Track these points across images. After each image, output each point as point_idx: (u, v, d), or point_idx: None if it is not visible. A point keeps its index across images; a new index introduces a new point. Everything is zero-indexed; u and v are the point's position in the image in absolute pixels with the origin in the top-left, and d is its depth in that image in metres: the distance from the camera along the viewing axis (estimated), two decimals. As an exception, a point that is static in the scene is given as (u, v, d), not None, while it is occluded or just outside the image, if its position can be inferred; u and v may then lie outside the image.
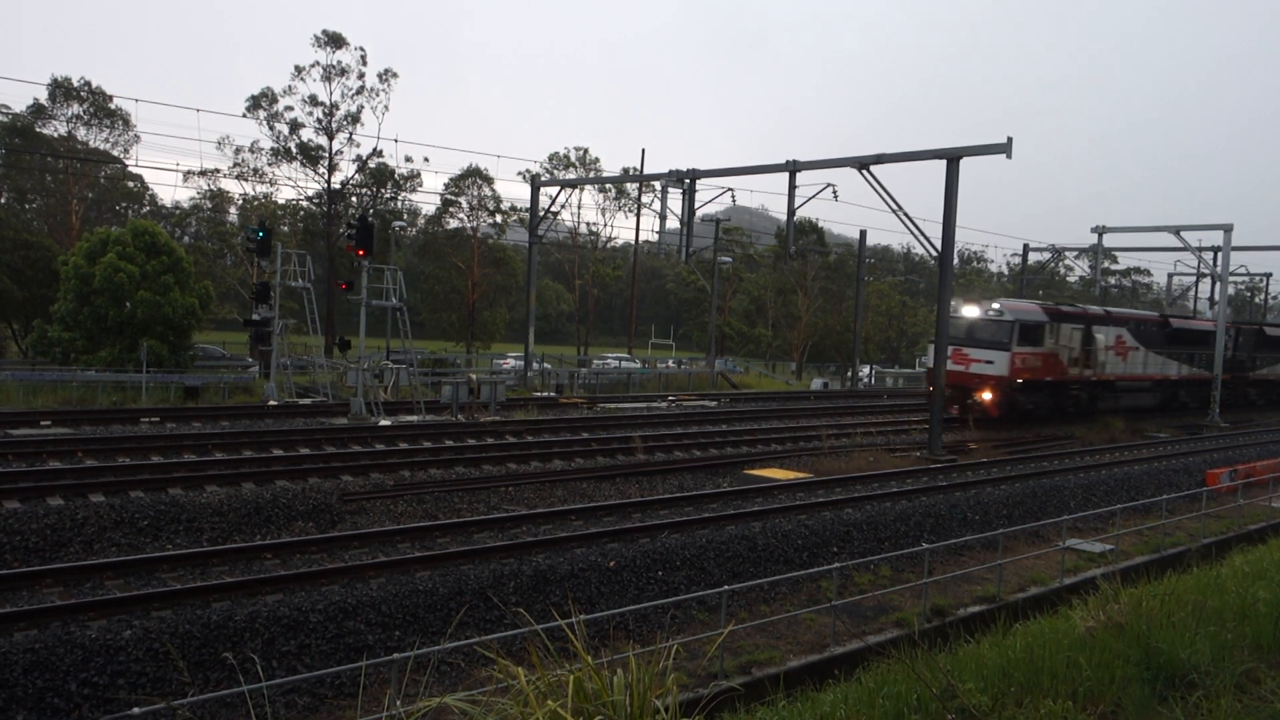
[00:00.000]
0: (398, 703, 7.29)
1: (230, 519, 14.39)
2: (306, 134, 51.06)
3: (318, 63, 49.81)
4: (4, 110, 49.02)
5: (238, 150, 51.59)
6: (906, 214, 25.39)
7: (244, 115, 50.63)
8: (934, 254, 24.80)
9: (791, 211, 29.15)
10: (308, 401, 28.83)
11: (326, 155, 51.19)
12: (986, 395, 29.93)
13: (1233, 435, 35.10)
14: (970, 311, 31.07)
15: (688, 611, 12.17)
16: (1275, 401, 47.84)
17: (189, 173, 51.57)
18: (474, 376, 31.71)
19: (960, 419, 31.07)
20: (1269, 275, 66.95)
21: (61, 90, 49.52)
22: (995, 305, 30.98)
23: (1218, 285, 42.44)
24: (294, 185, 53.45)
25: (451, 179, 58.62)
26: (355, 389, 26.47)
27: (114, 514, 13.86)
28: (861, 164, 25.64)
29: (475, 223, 59.67)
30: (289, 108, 50.53)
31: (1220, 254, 40.99)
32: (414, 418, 26.38)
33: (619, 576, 12.98)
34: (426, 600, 11.38)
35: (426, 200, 60.36)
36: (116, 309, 31.88)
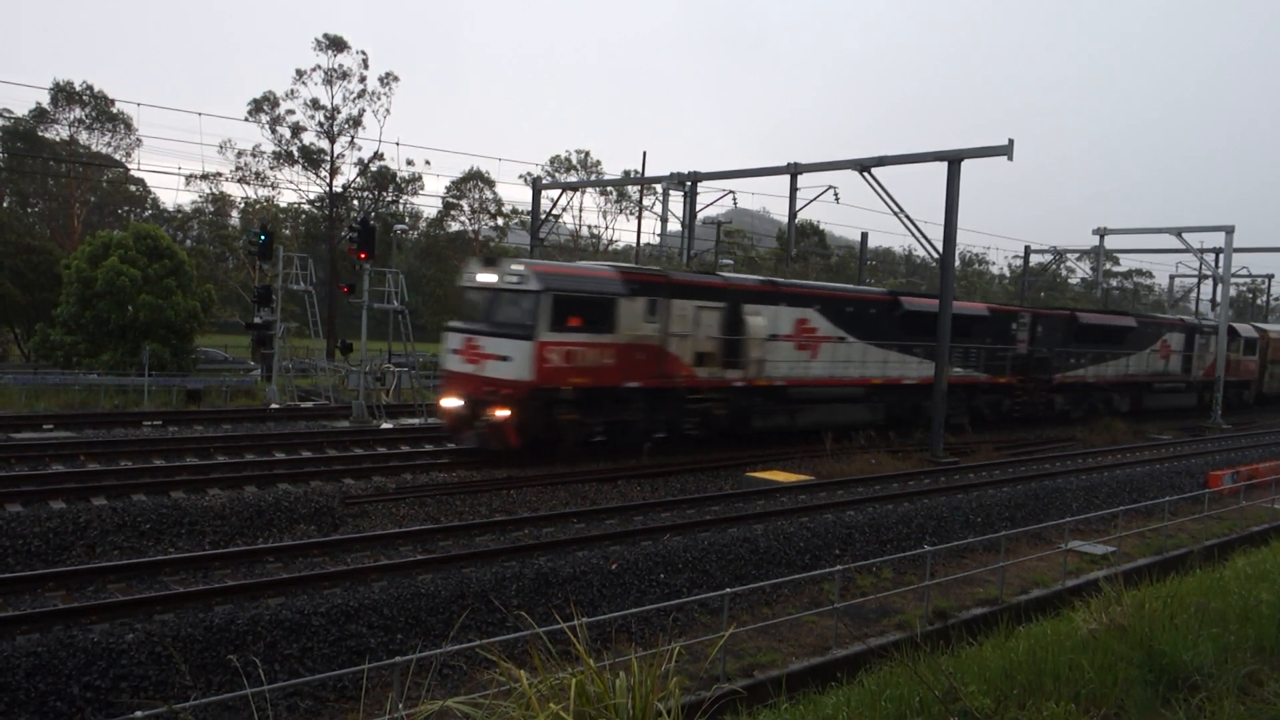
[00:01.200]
0: (400, 705, 7.30)
1: (232, 522, 14.39)
2: (308, 137, 51.22)
3: (319, 66, 49.97)
4: (6, 114, 49.16)
5: (239, 154, 51.77)
6: (908, 216, 25.39)
7: (246, 119, 50.81)
8: (935, 256, 24.80)
9: (793, 214, 29.17)
10: (309, 404, 28.85)
11: (328, 158, 51.28)
12: (500, 412, 18.63)
13: (1235, 437, 35.07)
14: (486, 276, 20.06)
15: (690, 614, 12.17)
16: (1096, 410, 35.62)
17: (191, 176, 51.80)
18: (475, 379, 31.65)
19: (481, 450, 19.74)
20: (1270, 277, 67.02)
21: (64, 94, 49.64)
22: (516, 266, 19.48)
23: (1219, 287, 42.46)
24: (296, 188, 53.59)
25: (453, 181, 58.82)
26: (357, 392, 26.48)
27: (116, 517, 13.87)
28: (862, 166, 25.65)
29: (477, 225, 59.77)
30: (290, 111, 50.69)
31: (1222, 255, 41.01)
32: (416, 420, 26.39)
33: (621, 579, 12.98)
34: (428, 603, 11.38)
35: (428, 203, 60.47)
36: (118, 312, 31.92)
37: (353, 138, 51.31)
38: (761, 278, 26.04)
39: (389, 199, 56.37)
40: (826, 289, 26.61)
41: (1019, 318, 31.47)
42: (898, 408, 27.30)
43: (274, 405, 27.96)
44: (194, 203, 60.99)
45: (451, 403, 19.97)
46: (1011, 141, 23.10)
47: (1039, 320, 32.20)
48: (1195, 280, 54.56)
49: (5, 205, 51.57)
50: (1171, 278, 60.65)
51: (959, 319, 28.02)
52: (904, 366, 27.14)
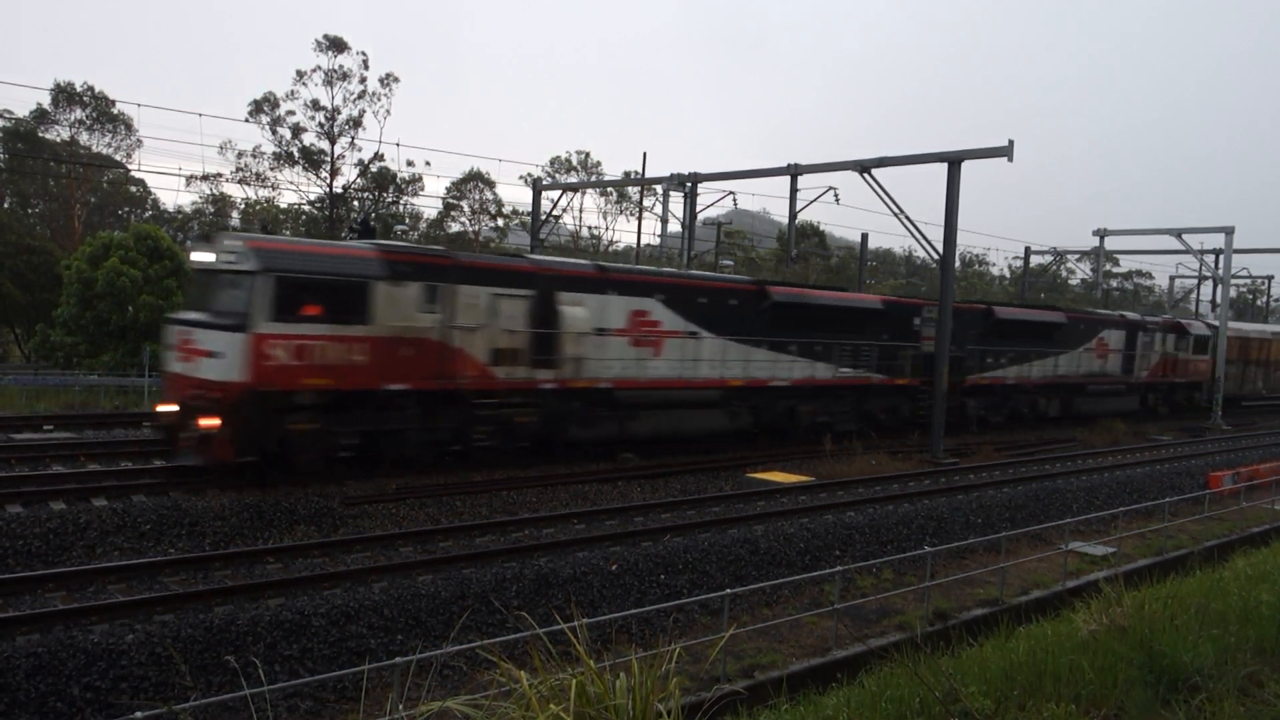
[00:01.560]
0: (400, 706, 7.30)
1: (232, 523, 14.39)
2: (308, 138, 51.16)
3: (319, 67, 49.88)
4: (7, 115, 49.20)
5: (240, 154, 51.76)
6: (908, 217, 25.39)
7: (246, 119, 50.73)
8: (936, 257, 24.80)
9: (793, 215, 29.16)
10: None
11: (328, 159, 51.25)
12: (209, 421, 15.46)
13: (1235, 438, 35.06)
14: (202, 256, 17.01)
15: (690, 615, 12.17)
16: (1019, 415, 32.49)
17: (191, 177, 51.75)
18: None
19: (197, 468, 16.08)
20: (1270, 278, 67.08)
21: (64, 95, 49.69)
22: (231, 241, 16.66)
23: (1219, 288, 42.45)
24: (296, 189, 53.59)
25: (453, 182, 58.85)
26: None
27: (116, 518, 13.86)
28: (863, 167, 25.66)
29: (477, 226, 59.81)
30: (291, 112, 50.60)
31: (1222, 257, 41.02)
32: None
33: (621, 580, 12.98)
34: (429, 604, 11.39)
35: (428, 204, 60.48)
36: (119, 313, 31.94)
37: (353, 138, 51.28)
38: (586, 261, 22.92)
39: (389, 200, 56.38)
40: (673, 276, 22.96)
41: (922, 312, 28.27)
42: (767, 413, 24.17)
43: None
44: (194, 203, 61.03)
45: (167, 409, 16.51)
46: (1011, 143, 23.12)
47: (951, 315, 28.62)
48: (1195, 282, 54.65)
49: (6, 206, 51.61)
50: (1172, 279, 60.79)
51: (847, 312, 26.01)
52: (774, 366, 23.78)
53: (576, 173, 63.35)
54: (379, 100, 51.11)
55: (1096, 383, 35.57)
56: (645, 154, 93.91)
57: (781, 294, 24.30)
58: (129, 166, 54.27)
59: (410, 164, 60.09)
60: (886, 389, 26.97)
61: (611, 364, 20.41)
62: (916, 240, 25.41)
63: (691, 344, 21.96)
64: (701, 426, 22.70)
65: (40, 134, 49.80)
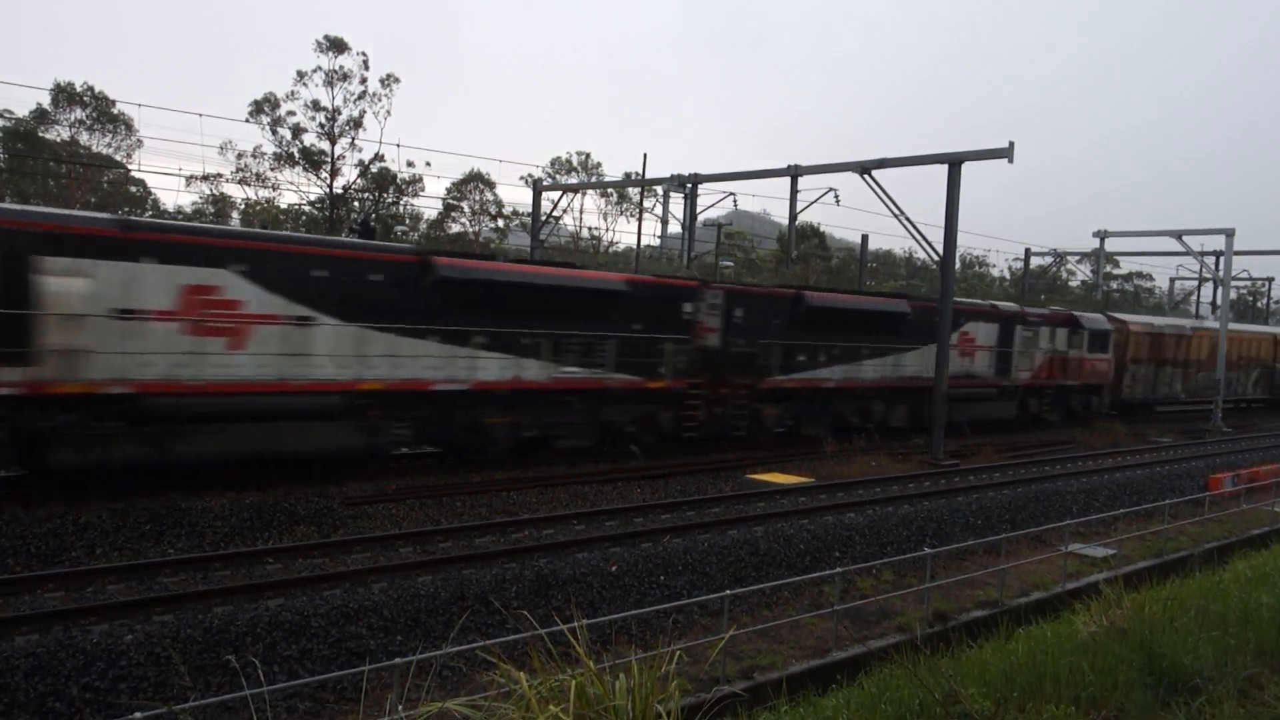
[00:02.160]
0: (399, 707, 7.30)
1: (232, 523, 14.39)
2: (309, 139, 51.15)
3: (320, 67, 49.89)
4: (7, 115, 49.20)
5: (240, 155, 51.76)
6: (908, 219, 25.39)
7: (246, 120, 50.71)
8: (936, 259, 24.80)
9: (793, 215, 29.16)
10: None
11: (329, 160, 51.25)
12: None
13: (1235, 440, 35.05)
14: None
15: (689, 615, 12.17)
16: (846, 425, 25.97)
17: (191, 177, 51.69)
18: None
19: None
20: (1270, 279, 67.08)
21: (64, 95, 49.71)
22: None
23: (1219, 290, 42.46)
24: (296, 190, 53.59)
25: (453, 183, 58.87)
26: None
27: (116, 518, 13.86)
28: (863, 169, 25.66)
29: (477, 227, 59.80)
30: (291, 113, 50.60)
31: (1222, 258, 41.02)
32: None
33: (621, 580, 12.98)
34: (428, 605, 11.38)
35: (429, 205, 60.48)
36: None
37: (353, 139, 51.25)
38: (101, 215, 17.18)
39: (389, 200, 56.39)
40: (262, 240, 16.71)
41: (697, 296, 22.46)
42: (437, 426, 18.53)
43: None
44: (195, 204, 61.03)
45: None
46: (1012, 144, 23.12)
47: (738, 301, 23.48)
48: (1196, 283, 54.67)
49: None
50: (1172, 280, 60.80)
51: (565, 293, 19.91)
52: (449, 365, 18.11)
53: (577, 173, 63.39)
54: (379, 101, 51.11)
55: (957, 385, 28.31)
56: (645, 155, 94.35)
57: (452, 267, 18.40)
58: (129, 166, 54.26)
59: (410, 164, 60.06)
60: (635, 394, 21.20)
61: (150, 360, 14.82)
62: (917, 241, 25.41)
63: (300, 333, 16.31)
64: (314, 445, 16.81)
65: (40, 134, 49.80)
